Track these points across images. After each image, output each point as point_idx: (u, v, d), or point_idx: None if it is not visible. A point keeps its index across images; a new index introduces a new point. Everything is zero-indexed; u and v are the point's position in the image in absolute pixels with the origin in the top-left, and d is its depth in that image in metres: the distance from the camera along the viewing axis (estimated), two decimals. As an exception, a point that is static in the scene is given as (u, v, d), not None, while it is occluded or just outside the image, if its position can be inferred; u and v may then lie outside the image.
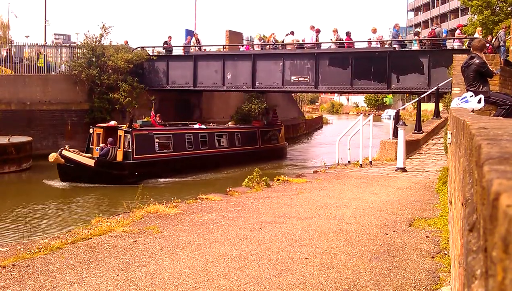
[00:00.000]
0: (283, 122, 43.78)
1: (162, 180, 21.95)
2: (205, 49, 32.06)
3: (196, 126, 25.82)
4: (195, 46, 31.10)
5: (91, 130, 22.76)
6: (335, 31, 26.79)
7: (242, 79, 28.60)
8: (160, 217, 8.00)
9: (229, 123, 29.64)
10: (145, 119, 24.03)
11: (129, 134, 21.80)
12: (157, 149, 23.08)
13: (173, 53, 31.94)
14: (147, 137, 22.74)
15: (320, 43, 27.13)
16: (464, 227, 1.98)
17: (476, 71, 8.28)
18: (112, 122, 23.47)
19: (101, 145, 21.91)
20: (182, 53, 31.46)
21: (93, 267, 5.59)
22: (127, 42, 32.70)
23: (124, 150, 21.82)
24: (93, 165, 20.91)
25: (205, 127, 26.02)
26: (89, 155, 21.75)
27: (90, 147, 22.51)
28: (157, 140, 23.31)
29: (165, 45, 31.99)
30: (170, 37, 31.95)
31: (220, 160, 25.31)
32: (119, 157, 21.79)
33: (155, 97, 30.60)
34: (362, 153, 15.09)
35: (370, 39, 25.94)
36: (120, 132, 21.99)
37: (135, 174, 21.43)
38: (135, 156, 21.78)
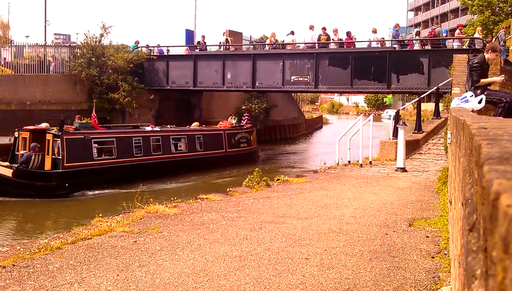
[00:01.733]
0: (283, 121, 44.03)
1: (97, 191, 18.87)
2: (234, 48, 31.65)
3: (148, 128, 23.24)
4: (224, 46, 30.76)
5: (16, 134, 19.61)
6: (336, 31, 26.80)
7: (242, 79, 28.61)
8: (160, 217, 8.00)
9: (193, 124, 27.04)
10: (83, 121, 21.48)
11: (59, 139, 18.81)
12: (96, 155, 20.09)
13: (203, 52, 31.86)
14: (82, 142, 19.67)
15: (321, 43, 27.12)
16: (464, 227, 1.98)
17: (469, 70, 8.34)
18: (43, 125, 20.46)
19: (22, 151, 18.85)
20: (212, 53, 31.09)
21: (93, 267, 5.59)
22: (138, 42, 32.41)
23: (53, 157, 18.86)
24: (11, 176, 17.87)
25: (158, 129, 23.37)
26: (7, 164, 18.58)
27: (16, 153, 19.27)
28: (96, 145, 20.28)
29: (198, 45, 31.60)
30: (203, 36, 31.43)
31: (177, 167, 22.64)
32: (47, 165, 18.82)
33: (155, 97, 30.67)
34: (362, 153, 15.09)
35: (369, 39, 25.96)
36: (49, 137, 18.99)
37: (65, 185, 18.50)
38: (65, 164, 18.75)
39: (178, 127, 25.44)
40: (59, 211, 16.99)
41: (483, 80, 8.18)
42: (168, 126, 24.81)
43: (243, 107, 31.25)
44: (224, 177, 22.59)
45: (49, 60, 30.09)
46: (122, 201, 15.73)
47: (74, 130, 19.98)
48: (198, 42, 31.89)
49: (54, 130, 19.23)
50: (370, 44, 25.96)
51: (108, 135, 21.25)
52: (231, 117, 28.60)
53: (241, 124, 28.42)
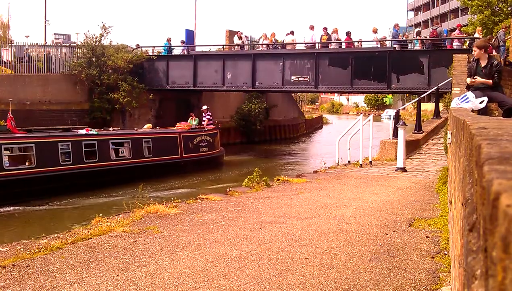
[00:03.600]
0: (283, 121, 44.04)
1: (4, 209, 15.84)
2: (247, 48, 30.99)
3: (82, 131, 20.16)
4: (239, 45, 30.50)
5: None
6: (336, 31, 26.80)
7: (242, 79, 28.62)
8: (160, 217, 8.00)
9: (145, 126, 24.58)
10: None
11: None
12: (7, 164, 16.98)
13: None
14: None
15: (322, 43, 27.12)
16: (464, 227, 1.98)
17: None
18: None
19: None
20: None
21: (93, 267, 5.59)
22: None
23: None
24: None
25: (94, 133, 20.21)
26: None
27: None
28: (8, 152, 17.23)
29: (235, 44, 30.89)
30: (240, 32, 30.75)
31: (118, 175, 19.86)
32: None
33: (155, 97, 30.67)
34: (362, 152, 15.10)
35: (376, 38, 25.97)
36: None
37: None
38: None
39: (122, 130, 22.88)
40: None
41: (467, 80, 8.47)
42: (110, 129, 22.33)
43: (204, 107, 26.71)
44: (173, 187, 19.69)
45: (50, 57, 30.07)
46: (30, 221, 14.32)
47: None
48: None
49: None
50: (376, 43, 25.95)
51: (25, 141, 18.08)
52: (191, 118, 25.90)
53: (201, 126, 25.70)
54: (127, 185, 18.66)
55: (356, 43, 27.13)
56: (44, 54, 30.02)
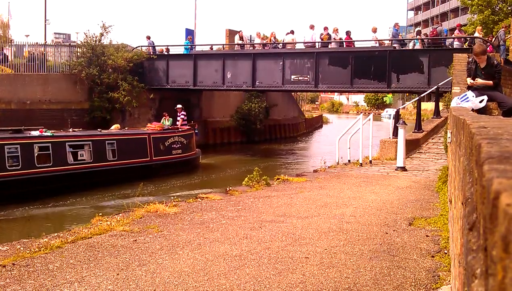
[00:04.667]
0: (283, 121, 44.05)
1: None
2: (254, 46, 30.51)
3: (36, 133, 18.23)
4: (239, 45, 30.42)
5: None
6: (336, 30, 26.79)
7: (242, 78, 28.60)
8: (160, 216, 8.00)
9: (113, 127, 22.62)
10: None
11: None
12: None
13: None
14: None
15: (322, 42, 27.10)
16: (464, 226, 1.99)
17: None
18: None
19: None
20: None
21: (93, 266, 5.59)
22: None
23: None
24: None
25: (49, 134, 18.25)
26: None
27: None
28: None
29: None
30: (241, 32, 30.39)
31: (76, 181, 18.12)
32: None
33: (155, 96, 30.65)
34: (362, 152, 15.10)
35: (376, 37, 25.96)
36: None
37: None
38: None
39: (82, 131, 20.68)
40: None
41: (468, 80, 8.53)
42: (70, 130, 20.52)
43: (178, 106, 24.77)
44: (134, 194, 16.65)
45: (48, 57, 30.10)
46: None
47: None
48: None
49: None
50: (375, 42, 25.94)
51: None
52: (165, 118, 24.14)
53: (175, 126, 23.92)
54: (87, 191, 17.44)
55: (356, 43, 27.10)
56: (44, 54, 30.04)
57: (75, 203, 16.58)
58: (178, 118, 24.44)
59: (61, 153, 18.27)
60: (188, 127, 24.28)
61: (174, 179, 20.74)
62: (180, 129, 23.62)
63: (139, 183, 16.07)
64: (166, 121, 23.87)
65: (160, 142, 22.03)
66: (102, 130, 20.90)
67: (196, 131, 25.21)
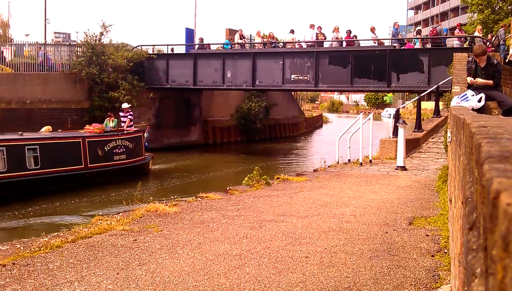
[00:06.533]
0: (283, 120, 44.06)
1: None
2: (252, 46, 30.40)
3: None
4: (239, 44, 30.33)
5: None
6: (337, 29, 26.78)
7: (242, 77, 28.60)
8: (160, 216, 8.00)
9: (43, 129, 19.28)
10: None
11: None
12: None
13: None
14: None
15: (321, 41, 27.09)
16: (464, 226, 1.99)
17: None
18: None
19: None
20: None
21: (93, 266, 5.59)
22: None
23: None
24: None
25: None
26: None
27: None
28: None
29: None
30: (241, 31, 30.36)
31: None
32: None
33: (155, 96, 30.64)
34: (362, 151, 15.11)
35: (375, 36, 25.96)
36: None
37: None
38: None
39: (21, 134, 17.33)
40: None
41: (468, 79, 8.56)
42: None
43: (125, 105, 21.98)
44: (57, 210, 14.89)
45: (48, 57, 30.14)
46: None
47: None
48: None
49: None
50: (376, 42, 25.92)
51: None
52: (108, 119, 20.99)
53: (120, 128, 20.87)
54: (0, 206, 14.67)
55: (357, 42, 27.08)
56: (44, 53, 30.05)
57: None
58: (125, 119, 21.38)
59: None
60: (135, 129, 21.34)
61: (115, 189, 17.46)
62: (125, 132, 20.58)
63: (71, 194, 14.22)
64: (111, 123, 20.76)
65: (98, 147, 19.02)
66: (23, 133, 17.34)
67: (147, 134, 22.68)
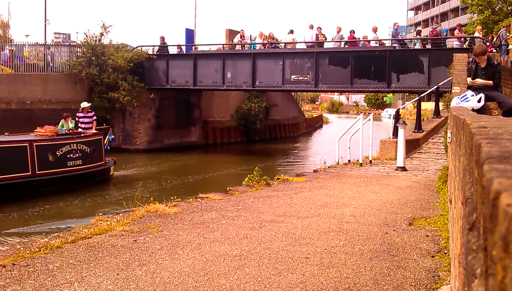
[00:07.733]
0: (283, 121, 44.06)
1: None
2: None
3: None
4: (240, 44, 30.19)
5: None
6: (340, 30, 26.74)
7: (242, 78, 28.59)
8: (160, 216, 8.00)
9: None
10: None
11: None
12: None
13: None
14: None
15: (321, 42, 27.09)
16: (464, 226, 1.98)
17: None
18: None
19: None
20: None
21: (93, 266, 5.59)
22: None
23: None
24: None
25: None
26: None
27: None
28: None
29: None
30: (242, 31, 30.30)
31: None
32: None
33: (155, 96, 30.62)
34: (362, 152, 15.10)
35: (375, 36, 25.95)
36: None
37: None
38: None
39: None
40: None
41: (468, 80, 8.58)
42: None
43: (84, 104, 19.40)
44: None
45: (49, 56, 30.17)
46: None
47: None
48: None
49: None
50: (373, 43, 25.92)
51: None
52: (64, 120, 18.84)
53: (77, 131, 18.54)
54: None
55: (359, 42, 27.07)
56: (44, 54, 30.06)
57: None
58: (83, 119, 19.01)
59: None
60: (95, 131, 18.97)
61: (67, 198, 15.92)
62: (82, 135, 18.33)
63: (9, 205, 13.01)
64: (70, 124, 18.75)
65: (48, 152, 16.90)
66: None
67: (112, 137, 20.82)
